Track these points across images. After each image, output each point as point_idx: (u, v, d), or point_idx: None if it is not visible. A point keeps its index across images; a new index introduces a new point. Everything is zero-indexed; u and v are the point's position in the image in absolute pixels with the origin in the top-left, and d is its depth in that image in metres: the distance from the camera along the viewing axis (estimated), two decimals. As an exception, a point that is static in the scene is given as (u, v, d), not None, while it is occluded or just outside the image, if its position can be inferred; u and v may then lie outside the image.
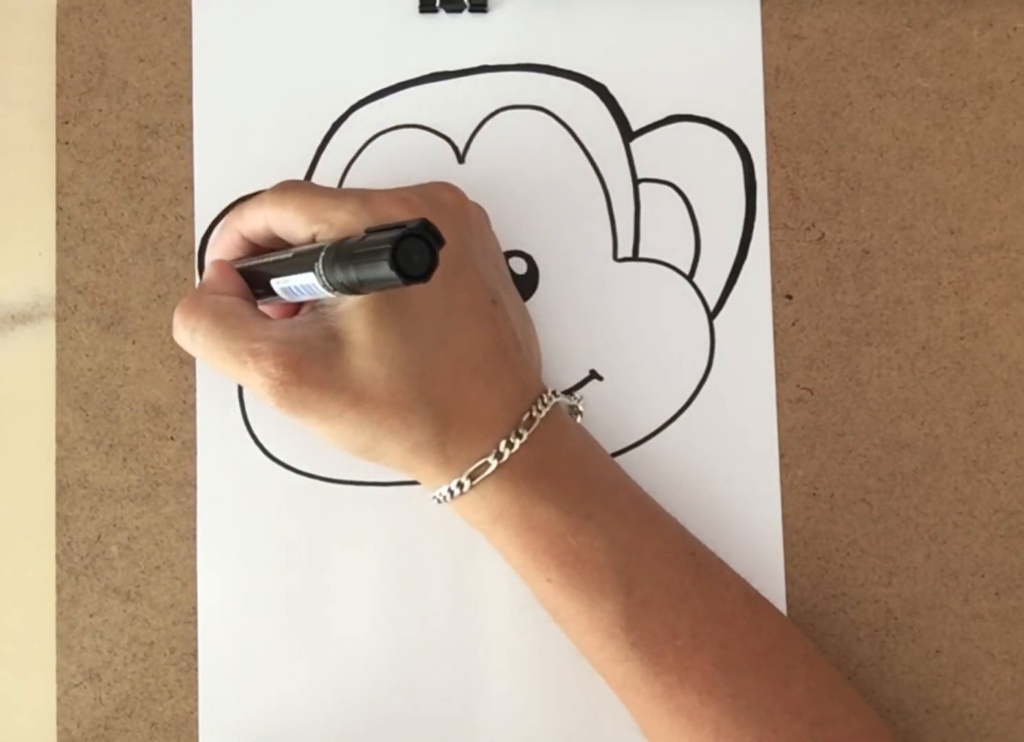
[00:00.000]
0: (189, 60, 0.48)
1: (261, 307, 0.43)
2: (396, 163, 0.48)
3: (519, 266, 0.48)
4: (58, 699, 0.46)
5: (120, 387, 0.47)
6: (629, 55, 0.48)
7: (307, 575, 0.46)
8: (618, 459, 0.47)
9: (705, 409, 0.47)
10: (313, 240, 0.40)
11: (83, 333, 0.47)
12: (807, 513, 0.47)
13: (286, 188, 0.41)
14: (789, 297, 0.47)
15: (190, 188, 0.48)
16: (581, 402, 0.45)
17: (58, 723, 0.46)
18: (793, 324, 0.47)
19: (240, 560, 0.47)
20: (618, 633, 0.40)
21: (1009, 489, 0.47)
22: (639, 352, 0.47)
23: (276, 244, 0.43)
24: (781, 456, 0.47)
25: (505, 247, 0.47)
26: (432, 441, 0.40)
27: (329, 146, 0.48)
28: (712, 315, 0.48)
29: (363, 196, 0.40)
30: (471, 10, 0.48)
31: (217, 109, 0.48)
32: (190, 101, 0.48)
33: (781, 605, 0.46)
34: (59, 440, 0.47)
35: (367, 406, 0.39)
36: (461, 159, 0.48)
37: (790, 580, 0.46)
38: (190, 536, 0.47)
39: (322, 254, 0.37)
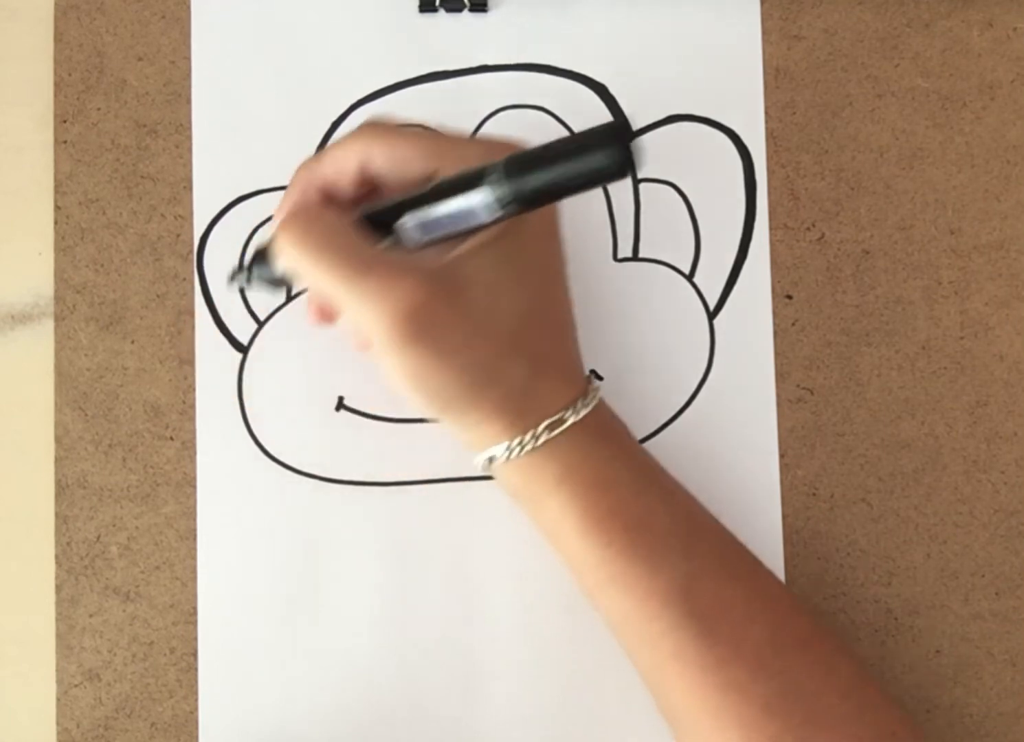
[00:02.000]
0: (188, 59, 0.48)
1: None
2: (396, 163, 0.48)
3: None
4: (58, 699, 0.46)
5: (119, 387, 0.47)
6: (629, 55, 0.48)
7: (307, 575, 0.46)
8: (618, 459, 0.47)
9: (705, 409, 0.47)
10: (429, 179, 0.39)
11: (82, 333, 0.47)
12: (807, 513, 0.47)
13: (389, 126, 0.40)
14: (789, 297, 0.48)
15: (189, 187, 0.48)
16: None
17: (58, 723, 0.46)
18: (793, 324, 0.47)
19: (240, 560, 0.47)
20: (675, 600, 0.39)
21: (1009, 489, 0.47)
22: (639, 352, 0.47)
23: (354, 193, 0.41)
24: (781, 456, 0.47)
25: (505, 247, 0.47)
26: (520, 390, 0.39)
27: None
28: (712, 315, 0.48)
29: (479, 139, 0.41)
30: (471, 10, 0.48)
31: (216, 108, 0.48)
32: (189, 100, 0.48)
33: (781, 605, 0.46)
34: (58, 440, 0.47)
35: (481, 342, 0.38)
36: (461, 159, 0.48)
37: (790, 580, 0.46)
38: (190, 536, 0.47)
39: (503, 165, 0.36)
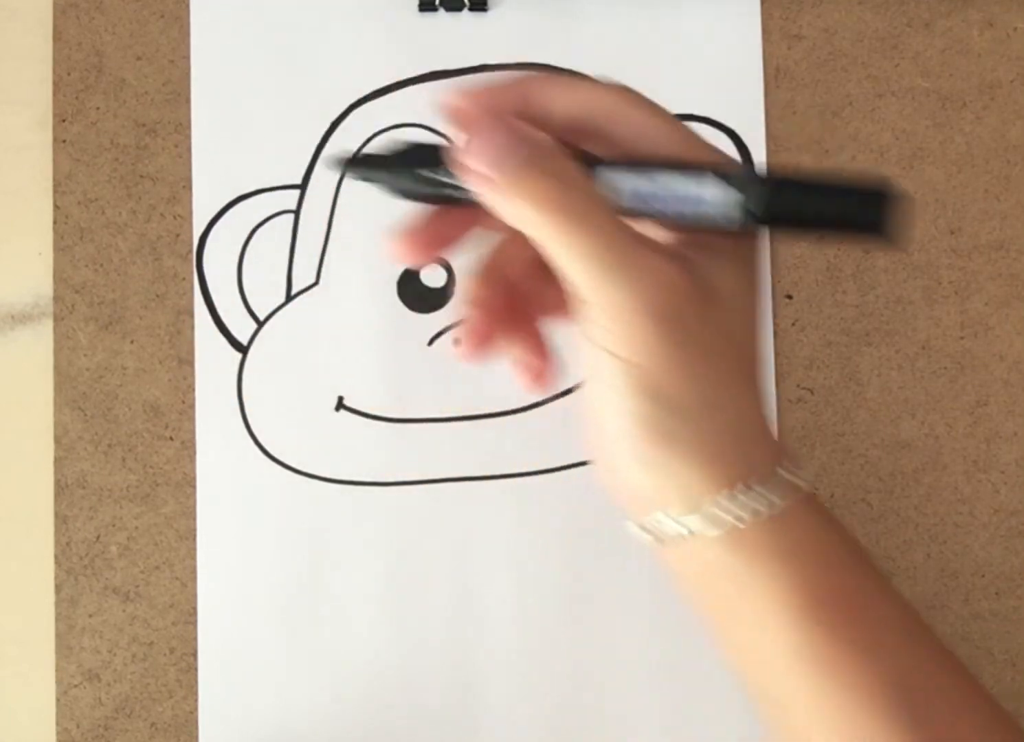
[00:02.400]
0: (187, 58, 0.48)
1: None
2: (396, 162, 0.48)
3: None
4: (58, 699, 0.46)
5: (119, 387, 0.47)
6: (629, 55, 0.48)
7: (307, 575, 0.46)
8: (618, 459, 0.47)
9: (705, 409, 0.47)
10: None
11: (81, 333, 0.47)
12: (807, 513, 0.47)
13: (654, 107, 0.33)
14: (789, 297, 0.48)
15: (188, 187, 0.48)
16: None
17: (58, 723, 0.46)
18: (793, 324, 0.47)
19: (240, 560, 0.47)
20: (891, 692, 0.34)
21: (1009, 489, 0.47)
22: (639, 352, 0.47)
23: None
24: (781, 456, 0.47)
25: (505, 247, 0.47)
26: (751, 429, 0.32)
27: (328, 145, 0.48)
28: (712, 315, 0.47)
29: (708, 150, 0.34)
30: (471, 9, 0.48)
31: (215, 107, 0.48)
32: (188, 99, 0.48)
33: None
34: (58, 440, 0.47)
35: (720, 356, 0.32)
36: (461, 158, 0.48)
37: (790, 580, 0.46)
38: (190, 536, 0.47)
39: (766, 173, 0.32)
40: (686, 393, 0.31)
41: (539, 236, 0.31)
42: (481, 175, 0.32)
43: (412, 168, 0.35)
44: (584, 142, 0.33)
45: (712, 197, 0.32)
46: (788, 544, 0.32)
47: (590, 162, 0.32)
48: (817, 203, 0.31)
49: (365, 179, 0.35)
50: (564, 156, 0.31)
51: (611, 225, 0.31)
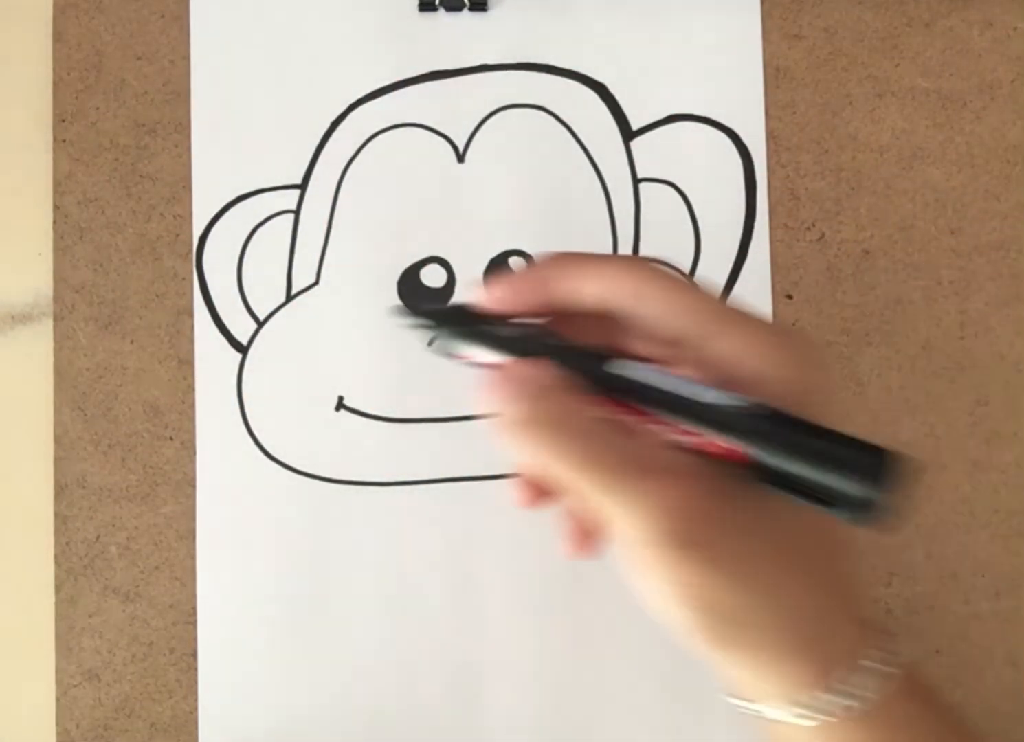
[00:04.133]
0: (187, 58, 0.48)
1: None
2: (395, 162, 0.48)
3: (519, 266, 0.48)
4: (58, 699, 0.46)
5: (119, 387, 0.47)
6: (629, 55, 0.48)
7: (306, 574, 0.46)
8: (618, 459, 0.47)
9: (705, 409, 0.47)
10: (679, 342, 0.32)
11: (81, 333, 0.47)
12: (807, 513, 0.47)
13: (654, 279, 0.32)
14: (789, 297, 0.48)
15: (188, 187, 0.48)
16: None
17: (58, 723, 0.46)
18: (793, 324, 0.47)
19: (240, 560, 0.46)
20: None
21: (1009, 489, 0.47)
22: (639, 352, 0.47)
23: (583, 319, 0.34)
24: (781, 456, 0.47)
25: (505, 247, 0.47)
26: (828, 629, 0.31)
27: (328, 144, 0.48)
28: (712, 315, 0.47)
29: (764, 321, 0.32)
30: (471, 9, 0.48)
31: (215, 107, 0.48)
32: (188, 99, 0.48)
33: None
34: (58, 440, 0.47)
35: (766, 559, 0.31)
36: (461, 158, 0.48)
37: (790, 580, 0.46)
38: (189, 536, 0.47)
39: (763, 421, 0.30)
40: (733, 603, 0.30)
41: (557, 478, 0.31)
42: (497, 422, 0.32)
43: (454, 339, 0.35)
44: (613, 323, 0.33)
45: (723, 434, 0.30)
46: (881, 738, 0.31)
47: (609, 356, 0.32)
48: (825, 474, 0.28)
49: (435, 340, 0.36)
50: (561, 397, 0.31)
51: (612, 459, 0.30)
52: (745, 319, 0.31)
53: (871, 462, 0.27)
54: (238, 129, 0.48)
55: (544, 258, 0.34)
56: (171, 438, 0.47)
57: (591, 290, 0.32)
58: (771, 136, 0.48)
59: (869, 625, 0.32)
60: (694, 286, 0.32)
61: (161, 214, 0.48)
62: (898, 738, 0.31)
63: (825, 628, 0.31)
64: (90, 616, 0.46)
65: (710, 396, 0.30)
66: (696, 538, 0.30)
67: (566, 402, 0.31)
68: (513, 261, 0.47)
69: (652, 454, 0.30)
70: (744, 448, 0.29)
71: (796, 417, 0.29)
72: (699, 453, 0.30)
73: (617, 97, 0.48)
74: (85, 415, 0.47)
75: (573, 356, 0.32)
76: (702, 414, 0.30)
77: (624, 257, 0.34)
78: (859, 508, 0.27)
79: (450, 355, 0.35)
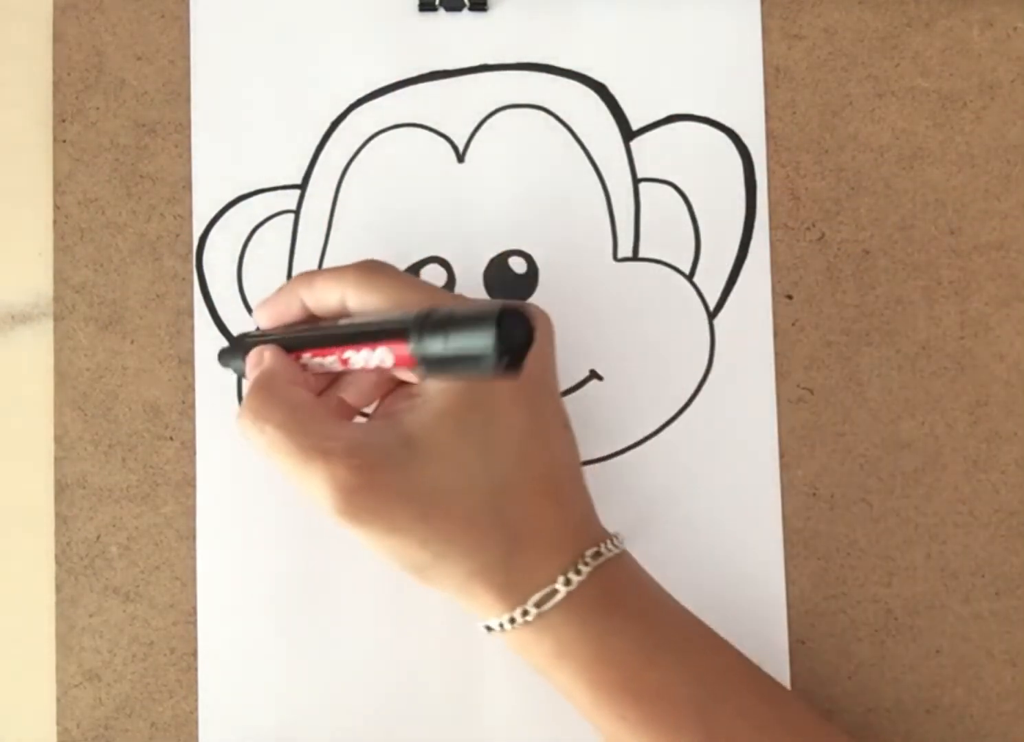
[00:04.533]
0: (187, 58, 0.48)
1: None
2: (395, 162, 0.48)
3: (519, 266, 0.48)
4: (58, 699, 0.46)
5: (119, 387, 0.47)
6: (629, 55, 0.48)
7: (306, 574, 0.46)
8: (618, 459, 0.47)
9: (705, 409, 0.47)
10: None
11: (81, 333, 0.47)
12: (807, 513, 0.47)
13: (374, 269, 0.40)
14: (789, 297, 0.48)
15: (188, 187, 0.48)
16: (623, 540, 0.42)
17: (58, 723, 0.46)
18: (793, 324, 0.47)
19: (240, 560, 0.47)
20: None
21: (1009, 489, 0.47)
22: (639, 352, 0.47)
23: (334, 319, 0.41)
24: (781, 456, 0.47)
25: (505, 247, 0.47)
26: (499, 564, 0.38)
27: (328, 145, 0.48)
28: (712, 315, 0.48)
29: (456, 298, 0.39)
30: (471, 9, 0.48)
31: (215, 107, 0.48)
32: (188, 99, 0.48)
33: (781, 605, 0.46)
34: (58, 440, 0.47)
35: (439, 520, 0.37)
36: (461, 158, 0.48)
37: (790, 580, 0.46)
38: (189, 536, 0.47)
39: (413, 318, 0.34)
40: (414, 557, 0.38)
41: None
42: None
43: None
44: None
45: (382, 360, 0.36)
46: (557, 646, 0.38)
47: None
48: (464, 339, 0.32)
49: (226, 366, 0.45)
50: (272, 403, 0.38)
51: (291, 450, 0.37)
52: (433, 296, 0.38)
53: (490, 318, 0.31)
54: (238, 129, 0.48)
55: (288, 284, 0.42)
56: (171, 438, 0.47)
57: (333, 297, 0.40)
58: (771, 136, 0.48)
59: (568, 545, 0.39)
60: (402, 275, 0.40)
61: (161, 214, 0.48)
62: (576, 642, 0.38)
63: (503, 562, 0.38)
64: (90, 616, 0.46)
65: (380, 318, 0.37)
66: (362, 512, 0.36)
67: (273, 395, 0.38)
68: (513, 262, 0.47)
69: (325, 436, 0.37)
70: (408, 347, 0.34)
71: (442, 308, 0.34)
72: (381, 371, 0.37)
73: (617, 97, 0.48)
74: (85, 415, 0.47)
75: (291, 334, 0.41)
76: (372, 330, 0.36)
77: (349, 265, 0.40)
78: (493, 360, 0.31)
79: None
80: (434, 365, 0.34)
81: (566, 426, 0.41)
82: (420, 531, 0.37)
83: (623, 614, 0.39)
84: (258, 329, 0.44)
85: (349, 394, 0.42)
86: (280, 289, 0.42)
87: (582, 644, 0.38)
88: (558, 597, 0.38)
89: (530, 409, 0.39)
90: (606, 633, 0.38)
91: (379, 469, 0.36)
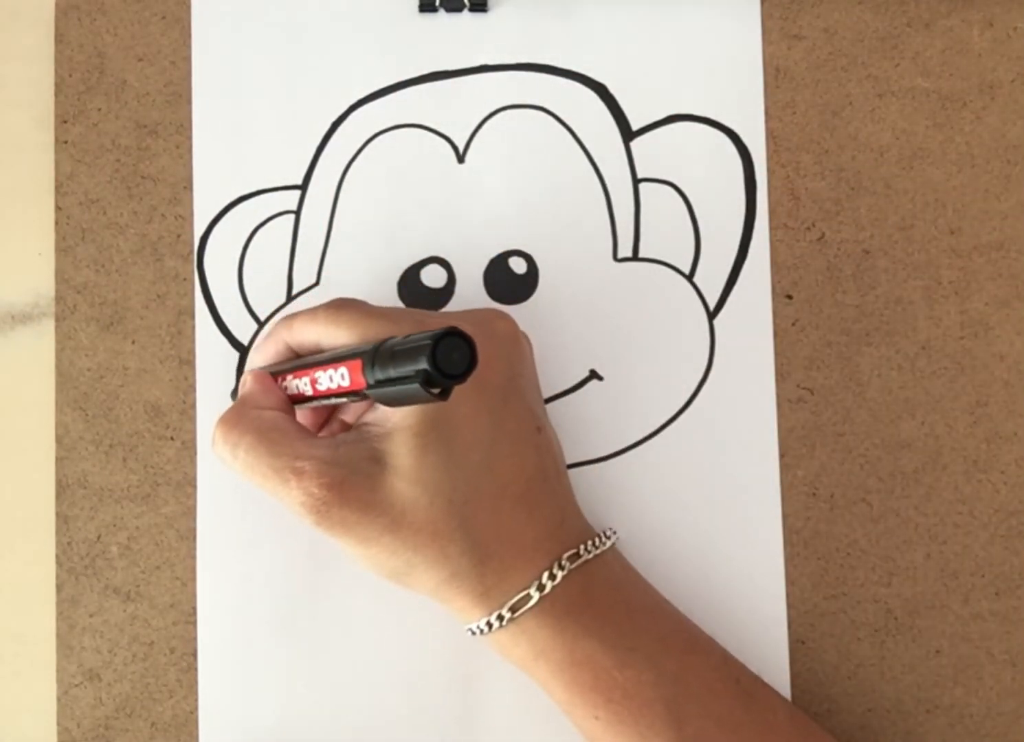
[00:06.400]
0: (188, 59, 0.48)
1: (299, 416, 0.43)
2: (396, 163, 0.48)
3: (519, 266, 0.48)
4: (58, 699, 0.46)
5: (120, 387, 0.47)
6: (629, 55, 0.48)
7: (307, 574, 0.46)
8: (618, 459, 0.47)
9: (705, 409, 0.47)
10: None
11: (82, 333, 0.47)
12: (807, 513, 0.47)
13: (341, 306, 0.41)
14: (789, 297, 0.48)
15: (189, 188, 0.48)
16: (615, 536, 0.44)
17: (58, 723, 0.46)
18: (793, 324, 0.47)
19: (240, 560, 0.47)
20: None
21: (1009, 489, 0.47)
22: (639, 352, 0.47)
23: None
24: (781, 456, 0.47)
25: (505, 247, 0.47)
26: (470, 571, 0.40)
27: (328, 145, 0.48)
28: (712, 315, 0.48)
29: (418, 320, 0.40)
30: (471, 9, 0.48)
31: (216, 108, 0.48)
32: (189, 100, 0.48)
33: (781, 605, 0.46)
34: (59, 440, 0.47)
35: (406, 532, 0.39)
36: (461, 159, 0.48)
37: (790, 580, 0.46)
38: (190, 536, 0.47)
39: (364, 351, 0.36)
40: (392, 565, 0.39)
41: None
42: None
43: None
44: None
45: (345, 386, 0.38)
46: (533, 649, 0.40)
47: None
48: (402, 366, 0.34)
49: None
50: (244, 427, 0.40)
51: (264, 472, 0.39)
52: (394, 323, 0.39)
53: (428, 344, 0.32)
54: (239, 130, 0.48)
55: (272, 327, 0.44)
56: (172, 438, 0.47)
57: (311, 336, 0.41)
58: (771, 136, 0.48)
59: (543, 552, 0.40)
60: (373, 309, 0.41)
61: (162, 215, 0.48)
62: (551, 644, 0.40)
63: (475, 569, 0.39)
64: (91, 616, 0.46)
65: (347, 349, 0.39)
66: (335, 525, 0.38)
67: (246, 420, 0.40)
68: (513, 262, 0.47)
69: (296, 456, 0.39)
70: (362, 373, 0.36)
71: (392, 340, 0.35)
72: (340, 394, 0.39)
73: (617, 97, 0.48)
74: (86, 415, 0.47)
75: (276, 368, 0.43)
76: (334, 357, 0.39)
77: (319, 310, 0.42)
78: (420, 386, 0.32)
79: None
80: (380, 394, 0.35)
81: (540, 430, 0.42)
82: (389, 542, 0.39)
83: (598, 615, 0.40)
84: None
85: (349, 415, 0.44)
86: (266, 335, 0.44)
87: (557, 646, 0.40)
88: (532, 602, 0.40)
89: (492, 419, 0.40)
90: (580, 635, 0.40)
91: (348, 485, 0.38)
